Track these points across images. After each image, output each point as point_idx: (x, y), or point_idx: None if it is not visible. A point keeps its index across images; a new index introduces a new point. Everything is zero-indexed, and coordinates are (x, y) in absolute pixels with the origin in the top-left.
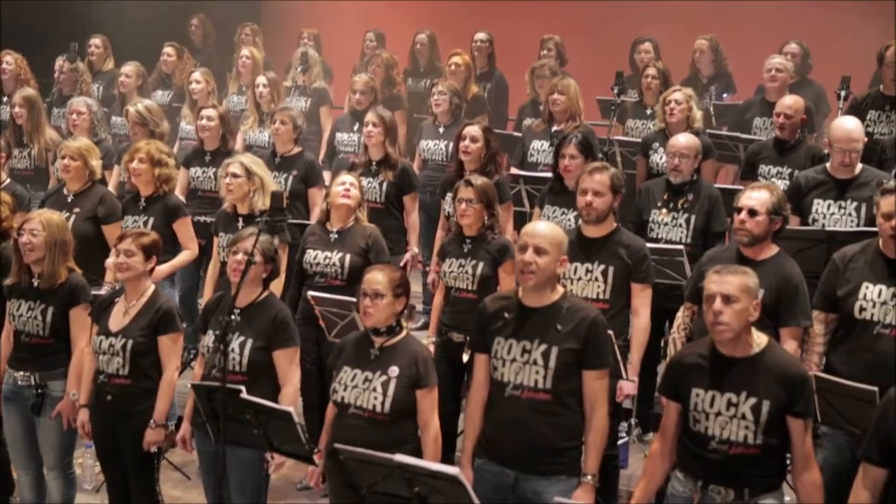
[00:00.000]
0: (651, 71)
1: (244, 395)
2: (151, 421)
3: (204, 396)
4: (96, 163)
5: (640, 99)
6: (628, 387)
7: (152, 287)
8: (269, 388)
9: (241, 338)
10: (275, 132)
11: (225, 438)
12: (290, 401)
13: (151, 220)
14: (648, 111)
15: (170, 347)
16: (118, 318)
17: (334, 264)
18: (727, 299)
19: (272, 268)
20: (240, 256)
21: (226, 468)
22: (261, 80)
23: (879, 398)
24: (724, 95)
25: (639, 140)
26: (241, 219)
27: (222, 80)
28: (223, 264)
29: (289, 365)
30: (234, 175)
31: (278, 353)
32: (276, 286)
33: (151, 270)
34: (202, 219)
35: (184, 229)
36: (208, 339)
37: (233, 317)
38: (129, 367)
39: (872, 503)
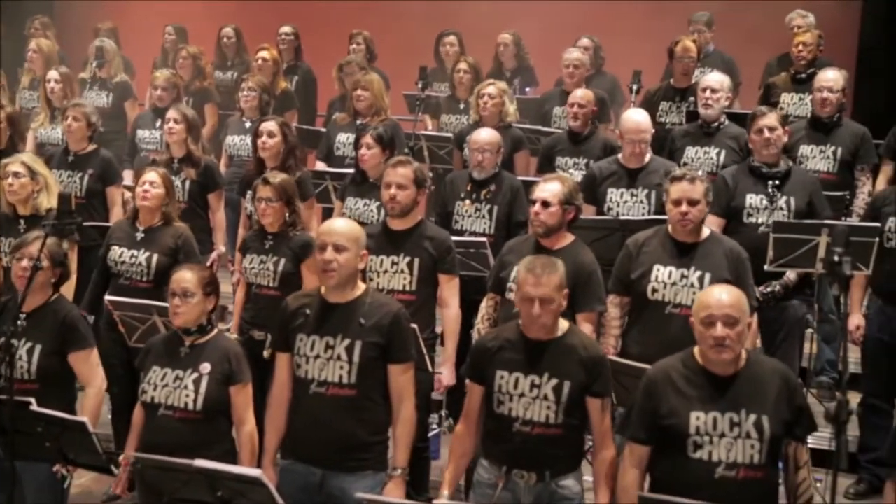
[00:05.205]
0: (462, 66)
1: (34, 406)
2: None
3: None
4: None
5: (453, 93)
6: (446, 378)
7: None
8: (64, 394)
9: (29, 343)
10: (67, 129)
11: (15, 454)
12: (94, 402)
13: None
14: (462, 105)
15: None
16: None
17: (140, 264)
18: (544, 302)
19: (61, 271)
20: (25, 263)
21: (20, 484)
22: (52, 75)
23: None
24: (527, 90)
25: (448, 134)
26: (22, 220)
27: (13, 76)
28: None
29: (87, 366)
30: (17, 174)
31: (73, 355)
32: (68, 290)
33: None
34: None
35: None
36: None
37: (19, 323)
38: None
39: (641, 480)
